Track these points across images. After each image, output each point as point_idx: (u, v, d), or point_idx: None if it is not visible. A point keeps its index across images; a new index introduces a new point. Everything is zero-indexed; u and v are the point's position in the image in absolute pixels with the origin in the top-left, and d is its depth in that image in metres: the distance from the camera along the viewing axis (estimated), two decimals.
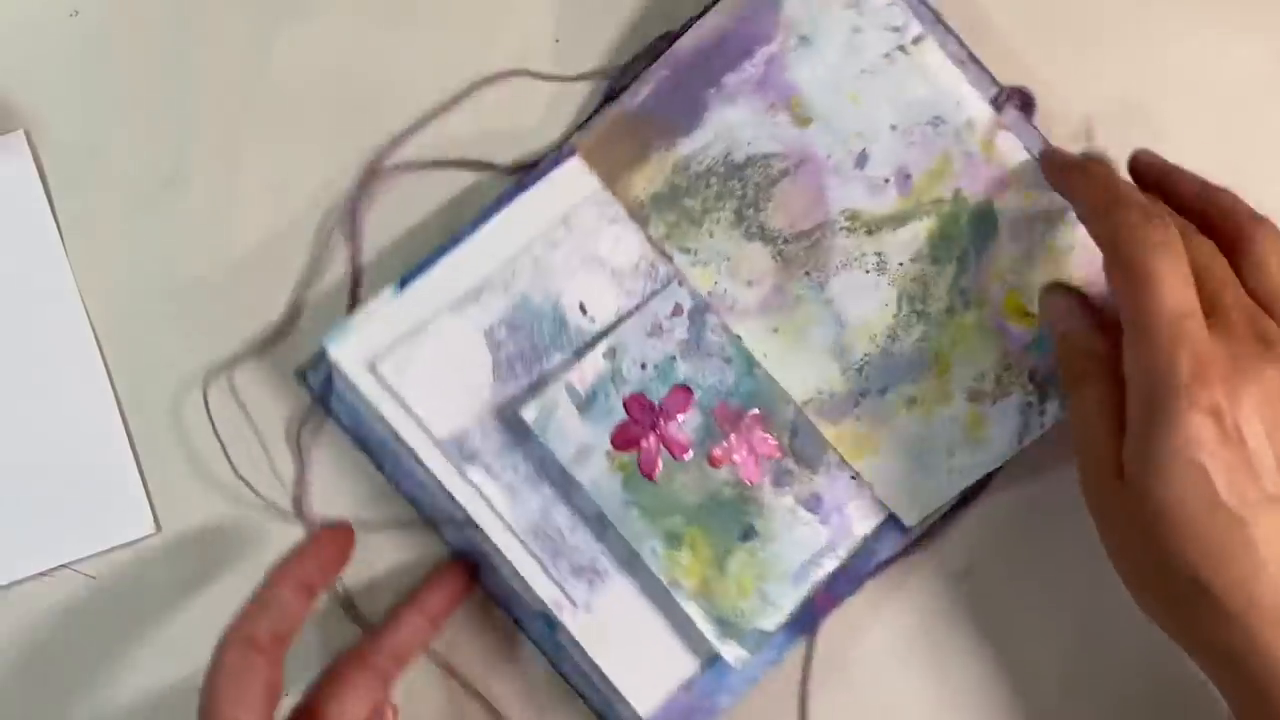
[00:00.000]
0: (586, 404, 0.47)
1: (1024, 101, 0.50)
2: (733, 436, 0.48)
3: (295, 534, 0.50)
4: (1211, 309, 0.40)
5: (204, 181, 0.51)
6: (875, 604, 0.51)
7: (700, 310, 0.48)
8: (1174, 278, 0.39)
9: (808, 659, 0.50)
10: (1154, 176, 0.45)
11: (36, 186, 0.50)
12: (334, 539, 0.46)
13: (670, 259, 0.49)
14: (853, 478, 0.49)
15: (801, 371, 0.49)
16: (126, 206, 0.50)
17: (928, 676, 0.51)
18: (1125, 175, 0.46)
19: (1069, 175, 0.45)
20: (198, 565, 0.50)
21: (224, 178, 0.51)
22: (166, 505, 0.50)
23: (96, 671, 0.50)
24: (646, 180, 0.49)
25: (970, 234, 0.49)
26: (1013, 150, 0.49)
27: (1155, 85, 0.52)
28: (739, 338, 0.49)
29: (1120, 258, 0.40)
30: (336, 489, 0.50)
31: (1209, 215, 0.43)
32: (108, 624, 0.50)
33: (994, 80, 0.50)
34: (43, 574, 0.49)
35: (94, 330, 0.50)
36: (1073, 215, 0.48)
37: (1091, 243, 0.43)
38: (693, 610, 0.47)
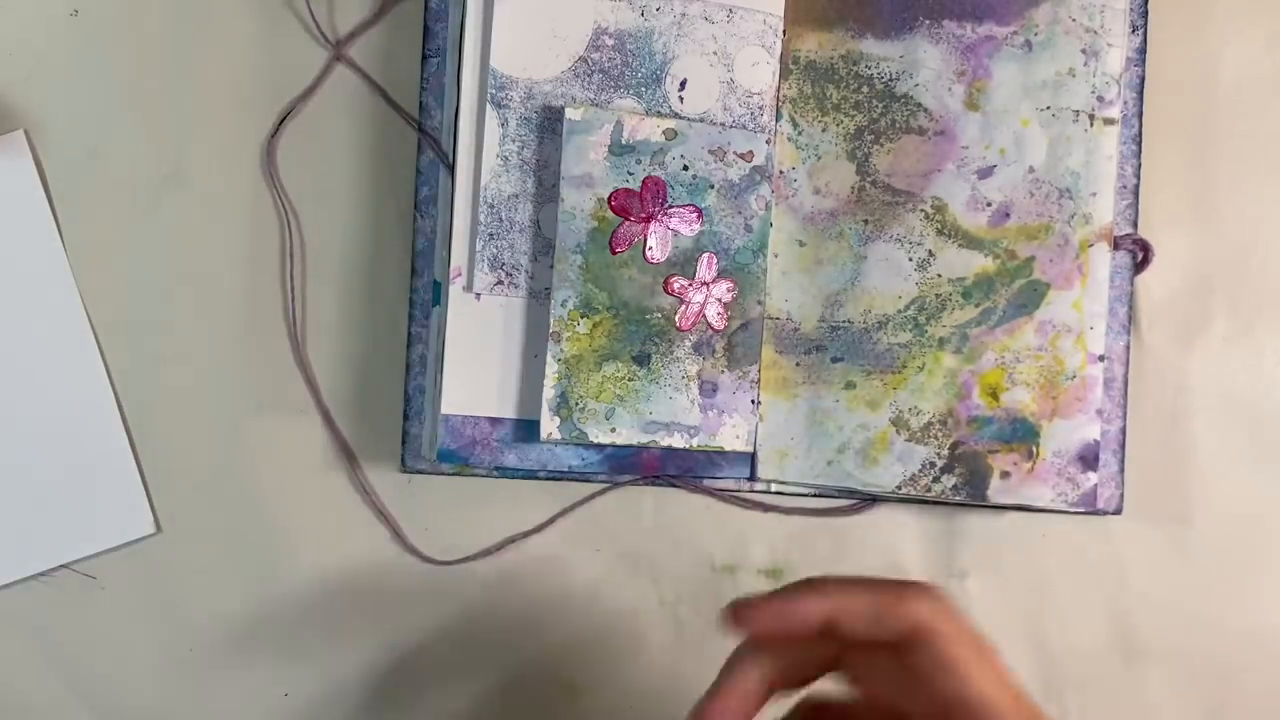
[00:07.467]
0: (620, 149, 0.47)
1: (1142, 253, 0.50)
2: (699, 283, 0.48)
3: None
4: None
5: (204, 181, 0.50)
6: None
7: (763, 175, 0.48)
8: None
9: (581, 504, 0.51)
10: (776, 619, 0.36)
11: (36, 186, 0.49)
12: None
13: (779, 118, 0.49)
14: (753, 401, 0.49)
15: (790, 291, 0.49)
16: (126, 206, 0.50)
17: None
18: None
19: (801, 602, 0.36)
20: (198, 565, 0.50)
21: (224, 178, 0.50)
22: (166, 505, 0.50)
23: (97, 671, 0.49)
24: (817, 44, 0.49)
25: (1011, 298, 0.49)
26: (1097, 270, 0.49)
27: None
28: (771, 223, 0.49)
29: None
30: None
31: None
32: (108, 624, 0.50)
33: (1134, 219, 0.50)
34: (43, 574, 0.49)
35: (94, 330, 0.49)
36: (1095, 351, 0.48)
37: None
38: (551, 370, 0.47)
